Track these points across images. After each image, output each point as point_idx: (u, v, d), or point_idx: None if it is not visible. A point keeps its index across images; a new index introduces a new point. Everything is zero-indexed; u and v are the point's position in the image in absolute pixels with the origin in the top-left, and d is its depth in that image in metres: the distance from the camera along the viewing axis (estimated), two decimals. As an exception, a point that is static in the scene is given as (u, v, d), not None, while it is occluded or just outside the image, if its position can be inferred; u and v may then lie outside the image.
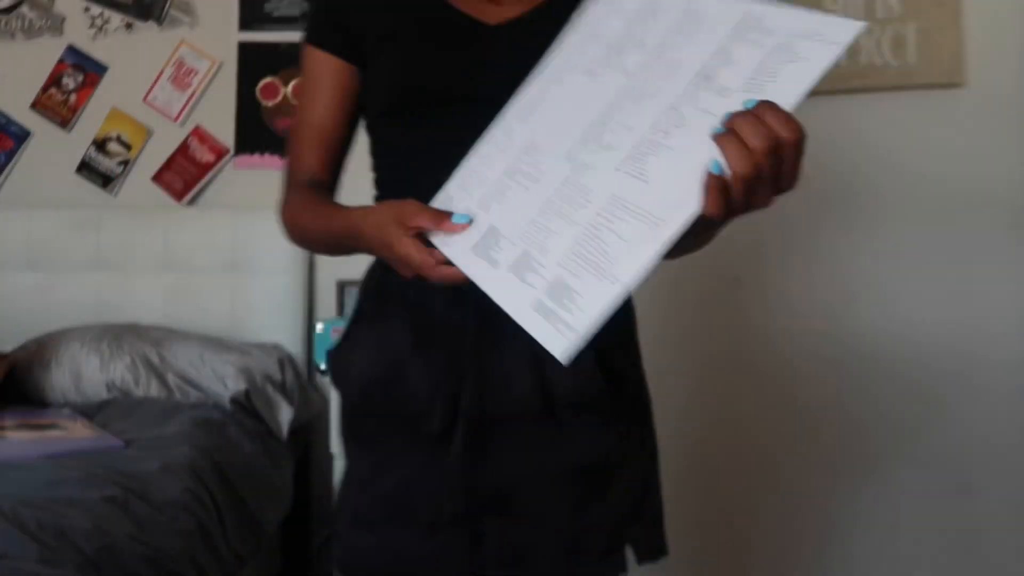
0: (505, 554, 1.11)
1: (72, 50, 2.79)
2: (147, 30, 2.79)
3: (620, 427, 1.15)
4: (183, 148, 2.78)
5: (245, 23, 2.78)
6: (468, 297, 0.98)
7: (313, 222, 1.17)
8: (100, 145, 2.79)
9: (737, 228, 2.88)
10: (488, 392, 1.08)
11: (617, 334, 1.09)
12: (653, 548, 1.20)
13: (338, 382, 1.18)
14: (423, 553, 1.10)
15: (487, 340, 1.08)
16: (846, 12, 2.68)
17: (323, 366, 2.44)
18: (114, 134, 2.79)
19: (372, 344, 1.13)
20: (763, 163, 0.81)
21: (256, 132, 2.78)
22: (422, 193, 1.02)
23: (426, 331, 1.10)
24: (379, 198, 1.18)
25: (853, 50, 2.69)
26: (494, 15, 1.10)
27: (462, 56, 1.09)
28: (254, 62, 2.78)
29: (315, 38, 1.17)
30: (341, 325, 2.42)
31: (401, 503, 1.11)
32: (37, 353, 2.43)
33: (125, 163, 2.79)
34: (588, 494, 1.12)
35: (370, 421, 1.15)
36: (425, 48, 1.10)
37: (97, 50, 2.79)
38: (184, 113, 2.77)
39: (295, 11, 2.77)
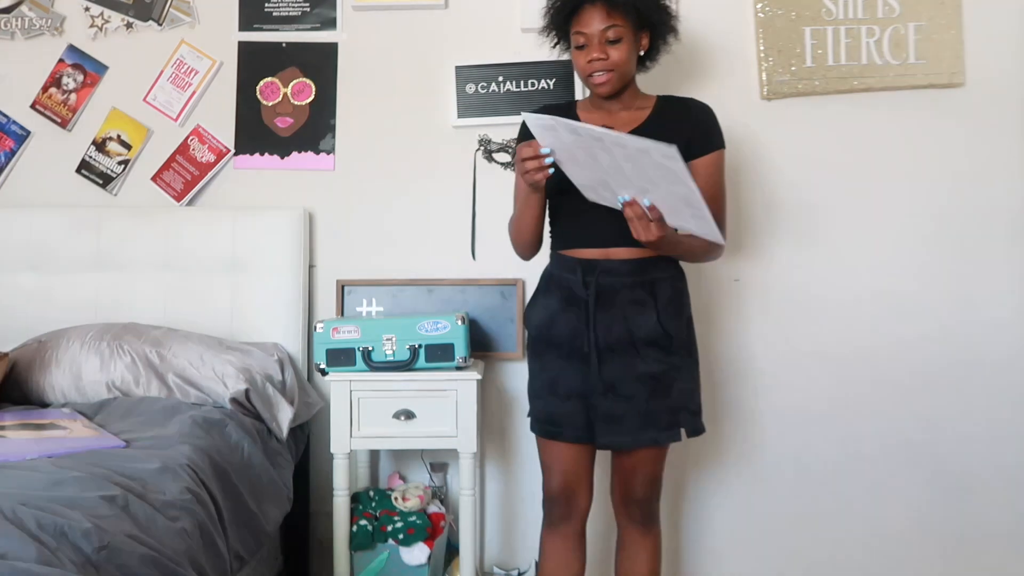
0: (608, 416, 2.00)
1: (72, 50, 2.79)
2: (147, 30, 2.79)
3: (673, 357, 2.01)
4: (183, 148, 2.78)
5: (245, 23, 2.78)
6: (590, 282, 2.00)
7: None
8: (100, 145, 2.79)
9: (737, 229, 2.90)
10: (601, 334, 2.00)
11: (669, 306, 2.02)
12: (695, 429, 2.06)
13: (527, 325, 2.16)
14: (562, 411, 2.05)
15: (598, 306, 2.00)
16: (847, 12, 2.68)
17: (323, 366, 2.44)
18: (114, 134, 2.79)
19: (541, 305, 2.10)
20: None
21: (256, 132, 2.78)
22: (564, 230, 2.13)
23: (568, 299, 2.04)
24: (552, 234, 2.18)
25: (853, 50, 2.69)
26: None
27: None
28: (254, 62, 2.78)
29: None
30: (341, 325, 2.43)
31: (552, 386, 2.07)
32: (37, 353, 2.43)
33: (125, 163, 2.79)
34: (656, 391, 2.00)
35: (539, 345, 2.10)
36: None
37: (97, 50, 2.79)
38: (184, 113, 2.77)
39: (295, 11, 2.77)
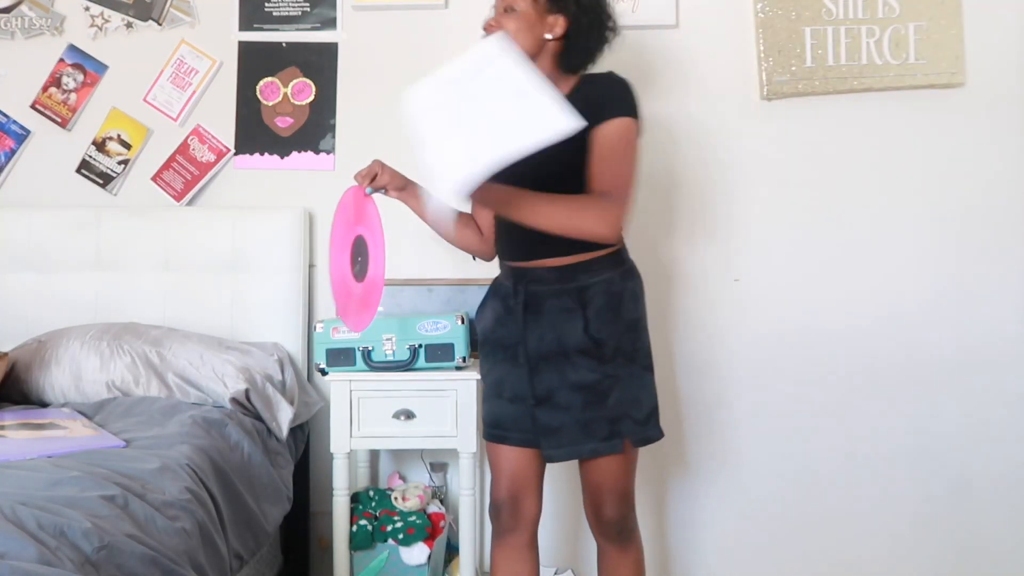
0: (547, 426, 1.96)
1: (72, 50, 2.79)
2: (147, 30, 2.79)
3: (607, 366, 1.93)
4: (183, 148, 2.78)
5: (245, 23, 2.78)
6: (519, 291, 1.97)
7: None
8: (100, 145, 2.79)
9: (737, 228, 2.89)
10: (533, 344, 1.96)
11: (603, 312, 1.93)
12: (643, 438, 1.97)
13: (476, 328, 2.14)
14: (507, 414, 2.02)
15: (529, 315, 1.97)
16: (847, 12, 2.68)
17: (323, 365, 2.44)
18: (114, 134, 2.79)
19: (489, 307, 2.08)
20: None
21: (256, 132, 2.78)
22: (499, 242, 2.11)
23: (506, 307, 2.02)
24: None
25: (853, 50, 2.69)
26: None
27: None
28: (254, 62, 2.78)
29: None
30: (341, 325, 2.43)
31: (498, 388, 2.04)
32: (37, 353, 2.43)
33: (125, 163, 2.79)
34: (591, 400, 1.93)
35: (486, 347, 2.08)
36: None
37: (97, 50, 2.79)
38: (184, 113, 2.77)
39: (295, 11, 2.77)
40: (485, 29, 1.96)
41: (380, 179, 2.03)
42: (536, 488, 2.07)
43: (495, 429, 2.05)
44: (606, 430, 1.92)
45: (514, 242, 1.99)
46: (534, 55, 1.94)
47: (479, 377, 2.43)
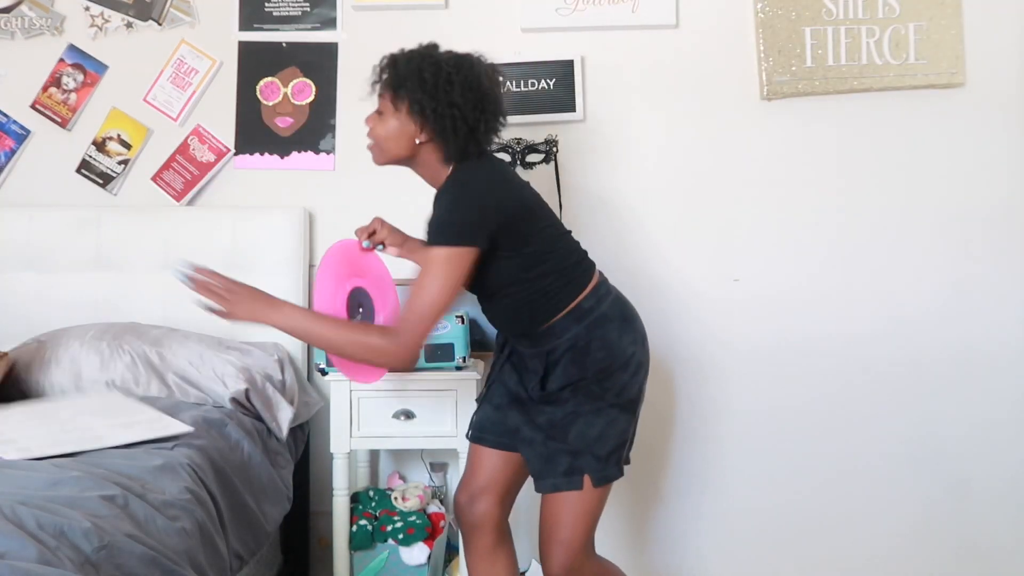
0: (521, 453, 2.02)
1: (72, 50, 2.79)
2: (147, 30, 2.79)
3: (568, 404, 1.93)
4: (183, 148, 2.78)
5: (245, 23, 2.78)
6: (504, 347, 2.11)
7: None
8: (100, 145, 2.79)
9: (737, 230, 2.89)
10: (511, 382, 2.07)
11: (570, 366, 1.94)
12: (602, 476, 1.93)
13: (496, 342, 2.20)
14: (491, 417, 2.10)
15: (509, 363, 2.09)
16: (847, 12, 2.68)
17: (323, 365, 2.44)
18: (114, 134, 2.79)
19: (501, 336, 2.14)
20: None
21: (256, 132, 2.78)
22: None
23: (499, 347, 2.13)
24: None
25: (853, 50, 2.69)
26: None
27: None
28: (254, 62, 2.78)
29: None
30: (341, 325, 2.42)
31: (490, 396, 2.12)
32: (37, 352, 2.43)
33: (125, 163, 2.79)
34: (553, 435, 1.94)
35: (496, 363, 2.13)
36: None
37: (97, 50, 2.79)
38: (184, 113, 2.77)
39: (295, 11, 2.77)
40: (367, 122, 1.99)
41: (379, 235, 2.13)
42: (500, 491, 2.10)
43: (475, 431, 2.14)
44: (566, 464, 1.92)
45: (495, 326, 2.09)
46: (412, 157, 1.96)
47: (479, 377, 2.44)
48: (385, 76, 1.94)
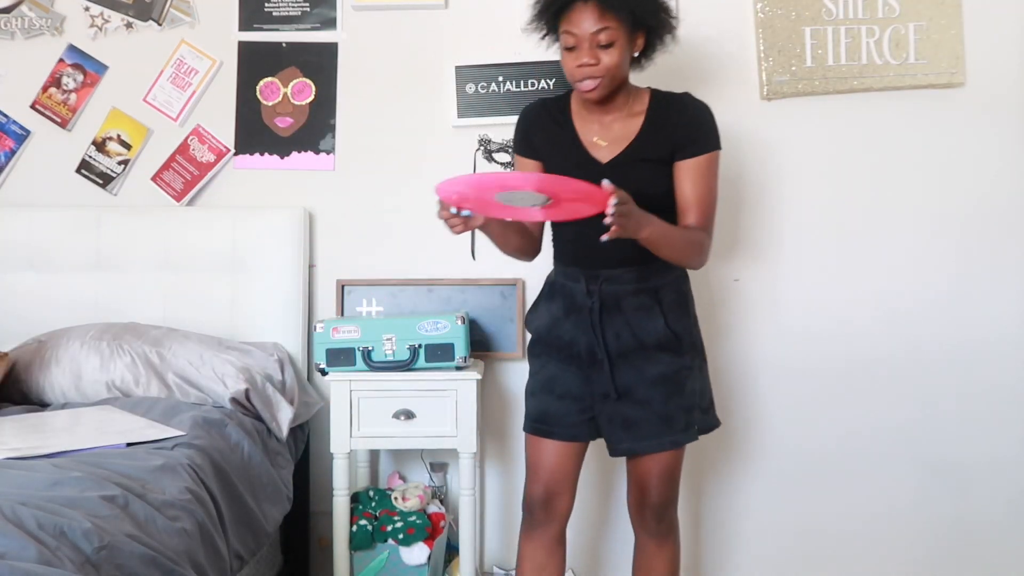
0: (624, 423, 2.00)
1: (72, 50, 2.79)
2: (147, 30, 2.79)
3: (683, 358, 2.01)
4: (183, 148, 2.78)
5: (245, 23, 2.78)
6: (593, 291, 2.00)
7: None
8: (100, 145, 2.79)
9: (737, 228, 2.89)
10: (611, 341, 1.99)
11: (675, 308, 2.02)
12: (707, 426, 2.09)
13: (528, 328, 2.16)
14: (555, 410, 2.06)
15: (604, 314, 2.00)
16: (847, 12, 2.68)
17: (323, 365, 2.44)
18: (114, 134, 2.79)
19: (544, 310, 2.11)
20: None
21: (256, 132, 2.78)
22: (563, 244, 2.11)
23: (571, 307, 2.04)
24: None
25: (853, 50, 2.69)
26: (603, 156, 2.00)
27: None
28: (254, 62, 2.78)
29: (518, 149, 2.13)
30: (341, 325, 2.43)
31: (548, 385, 2.07)
32: (37, 352, 2.43)
33: (125, 163, 2.79)
34: (671, 392, 2.00)
35: (539, 347, 2.11)
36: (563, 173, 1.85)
37: (97, 50, 2.79)
38: (184, 113, 2.77)
39: (295, 11, 2.77)
40: (579, 71, 1.90)
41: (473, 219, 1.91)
42: (572, 484, 2.10)
43: (540, 424, 2.07)
44: (683, 421, 2.01)
45: (588, 247, 1.92)
46: (626, 78, 2.00)
47: (479, 377, 2.44)
48: (608, 4, 1.88)
